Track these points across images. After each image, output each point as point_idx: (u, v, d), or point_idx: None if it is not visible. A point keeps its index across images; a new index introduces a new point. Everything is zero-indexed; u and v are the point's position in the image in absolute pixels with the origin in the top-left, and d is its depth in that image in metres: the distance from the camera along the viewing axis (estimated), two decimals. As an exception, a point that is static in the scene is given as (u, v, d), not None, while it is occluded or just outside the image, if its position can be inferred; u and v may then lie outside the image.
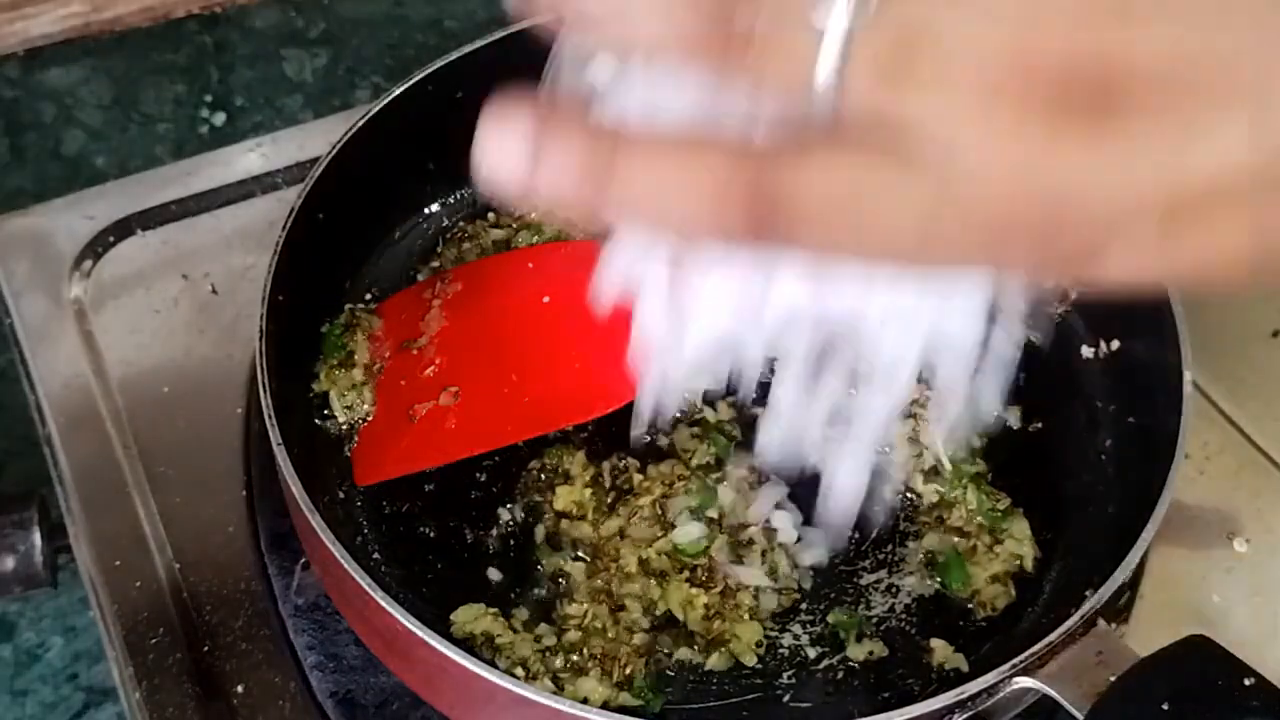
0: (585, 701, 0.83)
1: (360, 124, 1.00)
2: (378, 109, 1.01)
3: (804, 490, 0.92)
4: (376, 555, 0.94)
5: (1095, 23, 0.38)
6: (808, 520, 0.94)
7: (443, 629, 0.88)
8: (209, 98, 1.40)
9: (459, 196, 1.13)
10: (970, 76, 0.38)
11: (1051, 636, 0.78)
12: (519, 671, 0.86)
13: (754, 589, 0.90)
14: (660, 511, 0.93)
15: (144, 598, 0.95)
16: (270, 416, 0.84)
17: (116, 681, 0.93)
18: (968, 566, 0.93)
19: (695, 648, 0.89)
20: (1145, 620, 0.96)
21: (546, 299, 1.01)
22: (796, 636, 0.91)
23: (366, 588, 0.78)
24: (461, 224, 1.12)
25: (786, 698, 0.88)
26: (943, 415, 0.90)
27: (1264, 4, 0.39)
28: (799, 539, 0.93)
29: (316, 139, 1.20)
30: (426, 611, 0.89)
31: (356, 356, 1.00)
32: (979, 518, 0.95)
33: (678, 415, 0.98)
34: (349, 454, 0.98)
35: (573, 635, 0.88)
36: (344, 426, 0.98)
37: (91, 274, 1.13)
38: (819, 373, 0.78)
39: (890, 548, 0.95)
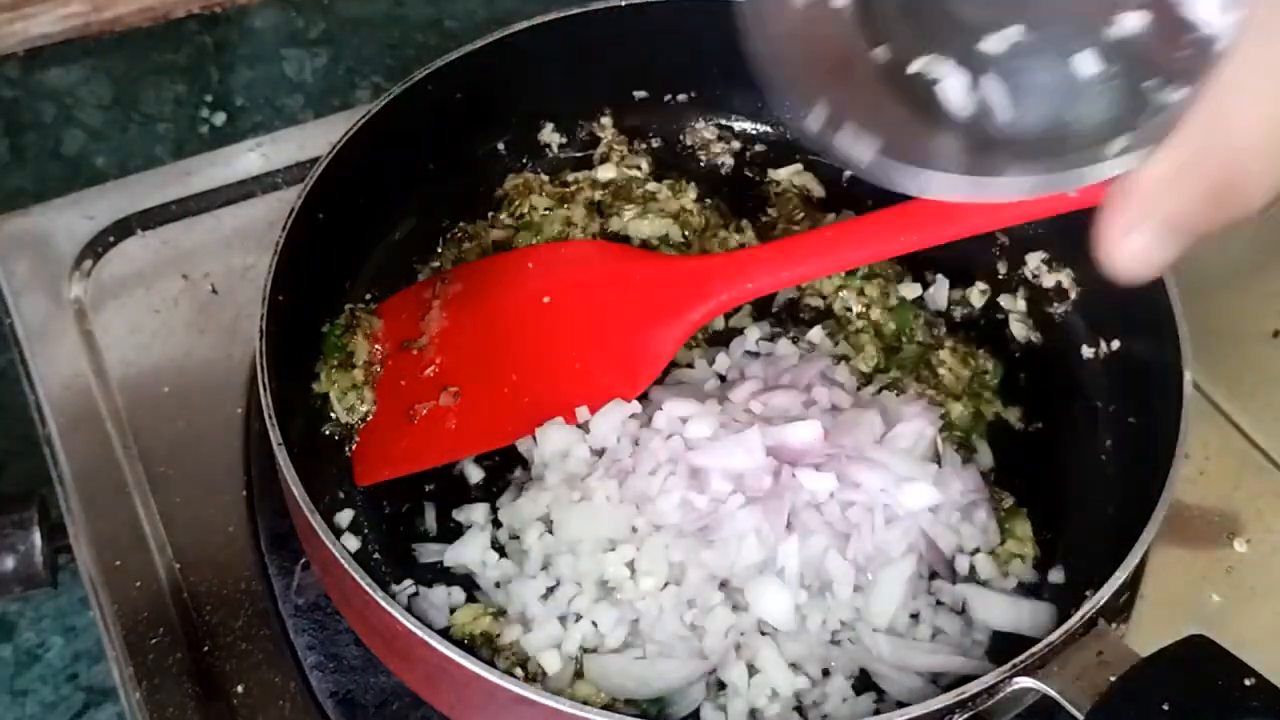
0: (586, 702, 0.83)
1: (360, 124, 1.00)
2: (378, 109, 1.01)
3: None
4: (376, 555, 0.94)
5: None
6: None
7: (443, 629, 0.89)
8: (209, 98, 1.40)
9: (459, 196, 1.13)
10: None
11: (1052, 636, 0.78)
12: (519, 672, 0.86)
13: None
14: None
15: (144, 598, 0.95)
16: (270, 416, 0.85)
17: (116, 681, 0.93)
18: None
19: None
20: (1145, 620, 0.96)
21: (546, 299, 1.01)
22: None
23: (366, 588, 0.78)
24: (461, 224, 1.12)
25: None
26: None
27: None
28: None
29: (316, 139, 1.21)
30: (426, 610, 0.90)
31: (356, 357, 1.00)
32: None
33: None
34: (349, 454, 0.98)
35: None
36: (344, 427, 0.98)
37: (91, 274, 1.13)
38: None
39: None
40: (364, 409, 0.99)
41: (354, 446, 0.98)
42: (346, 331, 1.01)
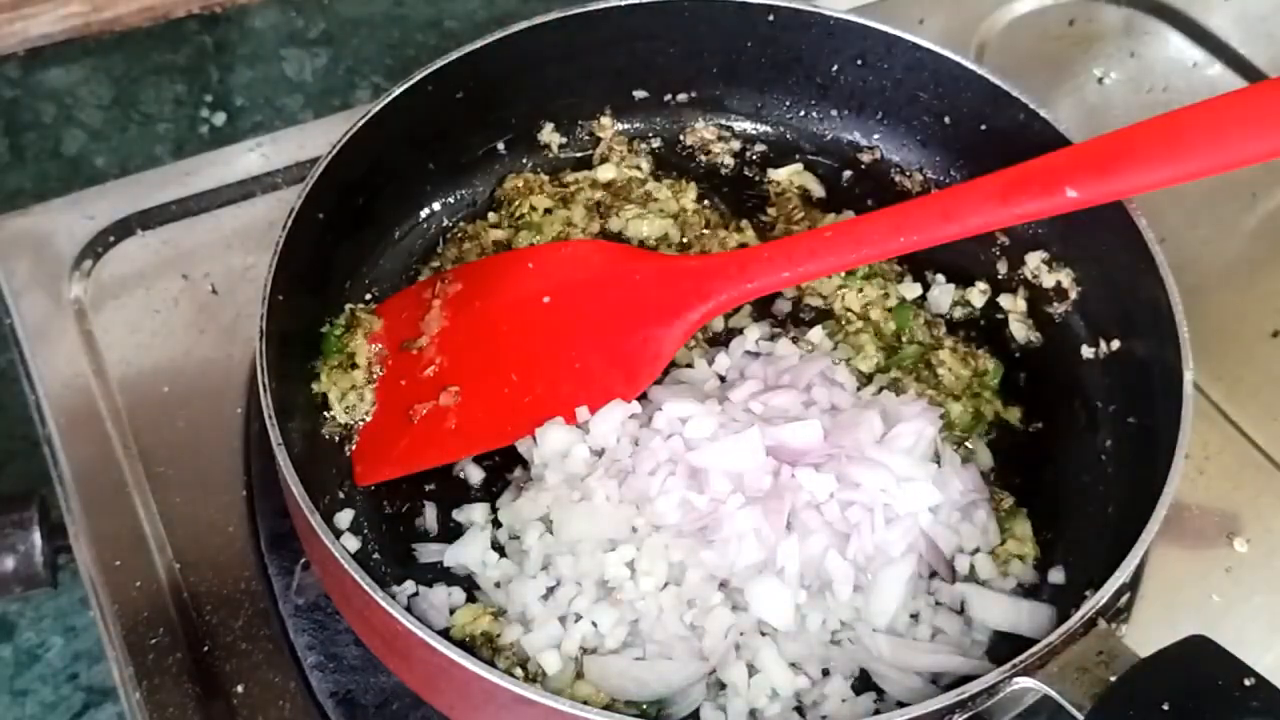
0: (586, 702, 0.83)
1: (360, 124, 1.00)
2: (378, 109, 1.01)
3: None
4: (376, 555, 0.94)
5: None
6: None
7: (443, 629, 0.89)
8: (209, 98, 1.40)
9: (459, 196, 1.13)
10: None
11: (1051, 637, 0.78)
12: (519, 672, 0.86)
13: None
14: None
15: (144, 598, 0.95)
16: (270, 416, 0.84)
17: (116, 681, 0.93)
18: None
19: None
20: (1145, 620, 0.96)
21: (546, 299, 1.01)
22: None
23: (366, 588, 0.78)
24: (461, 224, 1.12)
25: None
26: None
27: None
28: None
29: (316, 139, 1.21)
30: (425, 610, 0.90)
31: (358, 358, 1.00)
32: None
33: None
34: (349, 454, 0.98)
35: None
36: (344, 427, 0.98)
37: (91, 274, 1.13)
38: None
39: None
40: (364, 409, 0.99)
41: (354, 446, 0.98)
42: (347, 332, 1.01)
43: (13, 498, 0.97)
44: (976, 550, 0.93)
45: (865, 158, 1.17)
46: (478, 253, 1.09)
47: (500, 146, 1.15)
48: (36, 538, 0.95)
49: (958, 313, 1.09)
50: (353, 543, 0.93)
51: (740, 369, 1.02)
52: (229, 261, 1.13)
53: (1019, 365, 1.05)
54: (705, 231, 1.11)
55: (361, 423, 0.99)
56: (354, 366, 1.00)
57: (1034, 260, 1.09)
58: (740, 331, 1.06)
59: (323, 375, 0.99)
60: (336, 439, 0.98)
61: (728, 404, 0.96)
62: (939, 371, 1.03)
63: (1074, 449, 1.00)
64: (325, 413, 0.98)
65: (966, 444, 1.00)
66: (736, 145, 1.18)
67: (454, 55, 1.04)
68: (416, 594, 0.91)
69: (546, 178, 1.14)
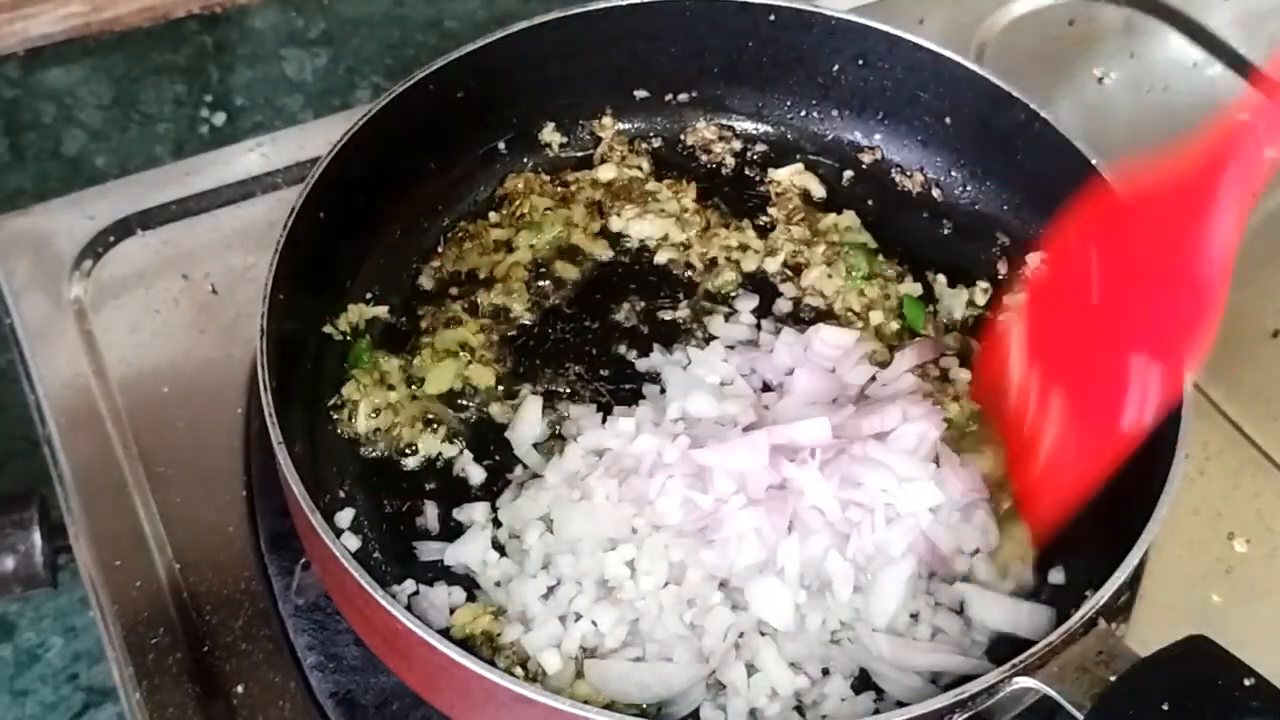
0: (586, 702, 0.83)
1: (360, 124, 1.00)
2: (378, 109, 1.01)
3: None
4: (377, 555, 0.94)
5: None
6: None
7: (443, 629, 0.89)
8: (209, 98, 1.41)
9: (459, 196, 1.13)
10: None
11: (1052, 636, 0.78)
12: (519, 671, 0.86)
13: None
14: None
15: (144, 598, 0.95)
16: (270, 416, 0.84)
17: (116, 681, 0.93)
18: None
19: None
20: (1145, 620, 0.96)
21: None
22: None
23: (367, 587, 0.78)
24: (462, 224, 1.12)
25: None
26: None
27: None
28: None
29: (316, 139, 1.21)
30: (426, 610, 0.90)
31: (391, 379, 0.99)
32: None
33: None
34: (363, 455, 0.97)
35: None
36: (360, 433, 0.98)
37: (91, 274, 1.13)
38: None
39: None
40: (398, 426, 0.98)
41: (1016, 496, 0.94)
42: (375, 349, 1.01)
43: (13, 498, 0.97)
44: (976, 551, 0.93)
45: (866, 158, 1.17)
46: (478, 252, 1.09)
47: (501, 146, 1.15)
48: (36, 538, 0.95)
49: (959, 313, 1.09)
50: (353, 542, 0.93)
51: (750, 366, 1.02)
52: (229, 261, 1.13)
53: (1019, 365, 1.05)
54: (705, 231, 1.12)
55: (383, 434, 0.98)
56: (390, 388, 0.99)
57: (1035, 260, 1.09)
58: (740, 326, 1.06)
59: (354, 383, 0.99)
60: (346, 436, 0.98)
61: (727, 404, 0.96)
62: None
63: (1074, 449, 1.00)
64: (336, 414, 0.98)
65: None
66: (737, 145, 1.18)
67: (454, 55, 1.05)
68: (417, 593, 0.91)
69: (547, 177, 1.14)
